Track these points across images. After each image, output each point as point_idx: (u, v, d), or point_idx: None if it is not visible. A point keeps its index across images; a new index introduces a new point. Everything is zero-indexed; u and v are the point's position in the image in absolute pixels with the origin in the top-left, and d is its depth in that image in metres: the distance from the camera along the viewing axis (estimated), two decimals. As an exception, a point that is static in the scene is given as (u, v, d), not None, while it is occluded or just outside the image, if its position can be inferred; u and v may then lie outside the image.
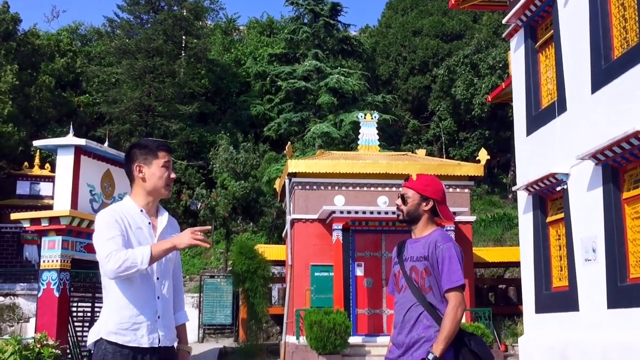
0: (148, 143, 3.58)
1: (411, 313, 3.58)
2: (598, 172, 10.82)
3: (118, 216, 3.40)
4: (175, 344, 3.55)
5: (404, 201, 3.76)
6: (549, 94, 13.08)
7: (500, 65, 34.01)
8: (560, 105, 12.23)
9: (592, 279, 10.99)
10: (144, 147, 3.54)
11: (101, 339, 3.30)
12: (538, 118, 13.24)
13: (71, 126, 17.34)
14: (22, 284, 26.14)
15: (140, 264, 3.23)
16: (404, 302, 3.64)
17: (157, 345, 3.35)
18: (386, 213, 16.82)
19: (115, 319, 3.29)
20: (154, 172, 3.50)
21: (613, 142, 9.85)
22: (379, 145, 20.57)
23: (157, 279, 3.43)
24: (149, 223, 3.48)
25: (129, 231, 3.39)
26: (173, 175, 3.58)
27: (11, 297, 25.14)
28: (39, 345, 12.64)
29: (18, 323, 24.42)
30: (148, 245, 3.30)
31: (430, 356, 3.41)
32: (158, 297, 3.41)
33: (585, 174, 11.22)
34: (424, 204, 3.73)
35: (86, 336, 13.19)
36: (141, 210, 3.48)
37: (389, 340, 3.78)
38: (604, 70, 10.71)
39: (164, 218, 3.58)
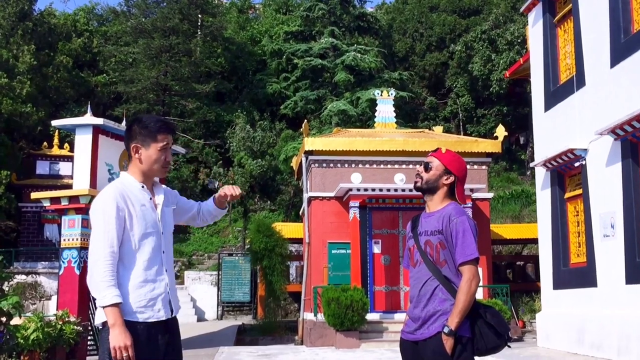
0: (149, 123, 3.51)
1: (427, 287, 3.60)
2: (617, 147, 10.73)
3: (120, 196, 3.40)
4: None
5: (427, 169, 3.76)
6: (567, 69, 12.94)
7: (519, 40, 33.62)
8: (578, 80, 12.11)
9: (610, 254, 10.94)
10: (145, 128, 3.49)
11: None
12: (556, 93, 13.12)
13: (89, 106, 17.43)
14: (43, 263, 26.53)
15: (98, 299, 3.25)
16: (419, 276, 3.66)
17: (171, 316, 3.43)
18: (403, 190, 16.80)
19: (132, 298, 3.31)
20: (150, 154, 3.48)
21: (632, 116, 9.75)
22: (395, 123, 20.47)
23: (163, 252, 3.48)
24: (150, 199, 3.51)
25: (132, 210, 3.39)
26: (169, 159, 3.56)
27: (33, 275, 25.52)
28: (60, 322, 12.84)
29: (40, 301, 24.80)
30: (117, 299, 3.23)
31: (446, 329, 3.43)
32: (166, 270, 3.47)
33: (604, 149, 11.13)
34: (445, 177, 3.73)
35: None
36: (142, 187, 3.50)
37: (406, 315, 3.81)
38: (624, 44, 10.57)
39: (160, 196, 3.59)
